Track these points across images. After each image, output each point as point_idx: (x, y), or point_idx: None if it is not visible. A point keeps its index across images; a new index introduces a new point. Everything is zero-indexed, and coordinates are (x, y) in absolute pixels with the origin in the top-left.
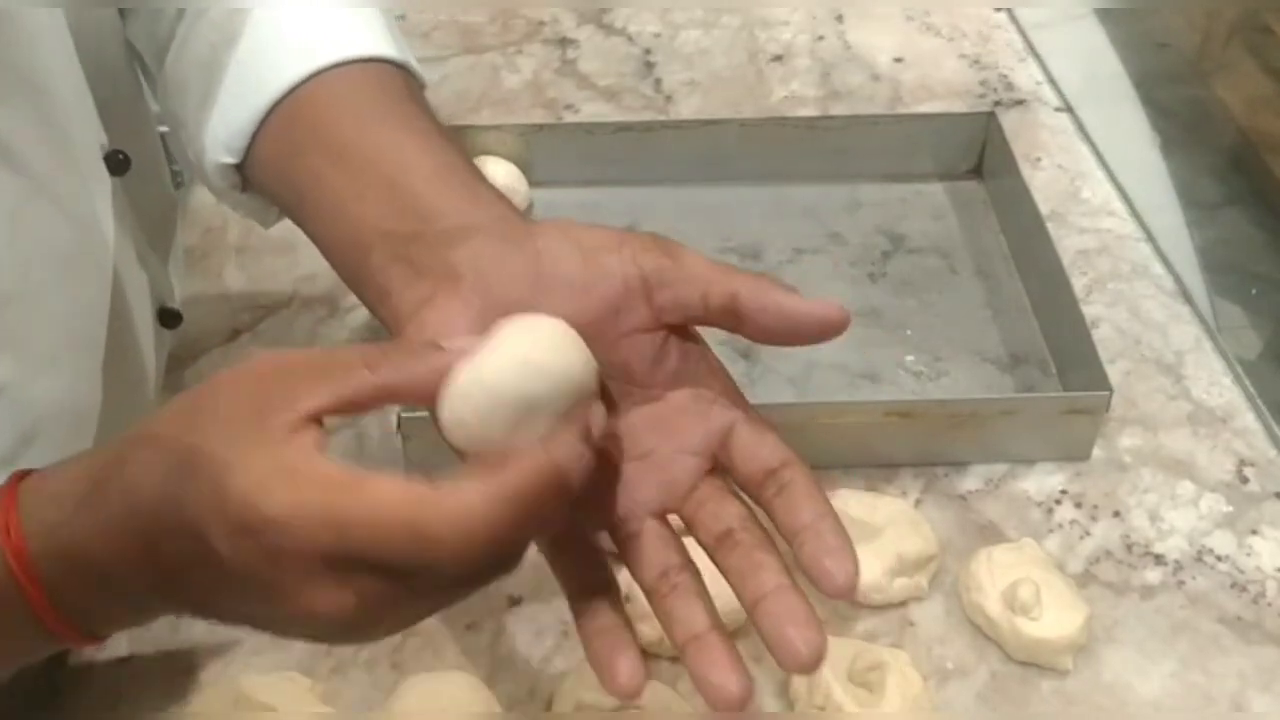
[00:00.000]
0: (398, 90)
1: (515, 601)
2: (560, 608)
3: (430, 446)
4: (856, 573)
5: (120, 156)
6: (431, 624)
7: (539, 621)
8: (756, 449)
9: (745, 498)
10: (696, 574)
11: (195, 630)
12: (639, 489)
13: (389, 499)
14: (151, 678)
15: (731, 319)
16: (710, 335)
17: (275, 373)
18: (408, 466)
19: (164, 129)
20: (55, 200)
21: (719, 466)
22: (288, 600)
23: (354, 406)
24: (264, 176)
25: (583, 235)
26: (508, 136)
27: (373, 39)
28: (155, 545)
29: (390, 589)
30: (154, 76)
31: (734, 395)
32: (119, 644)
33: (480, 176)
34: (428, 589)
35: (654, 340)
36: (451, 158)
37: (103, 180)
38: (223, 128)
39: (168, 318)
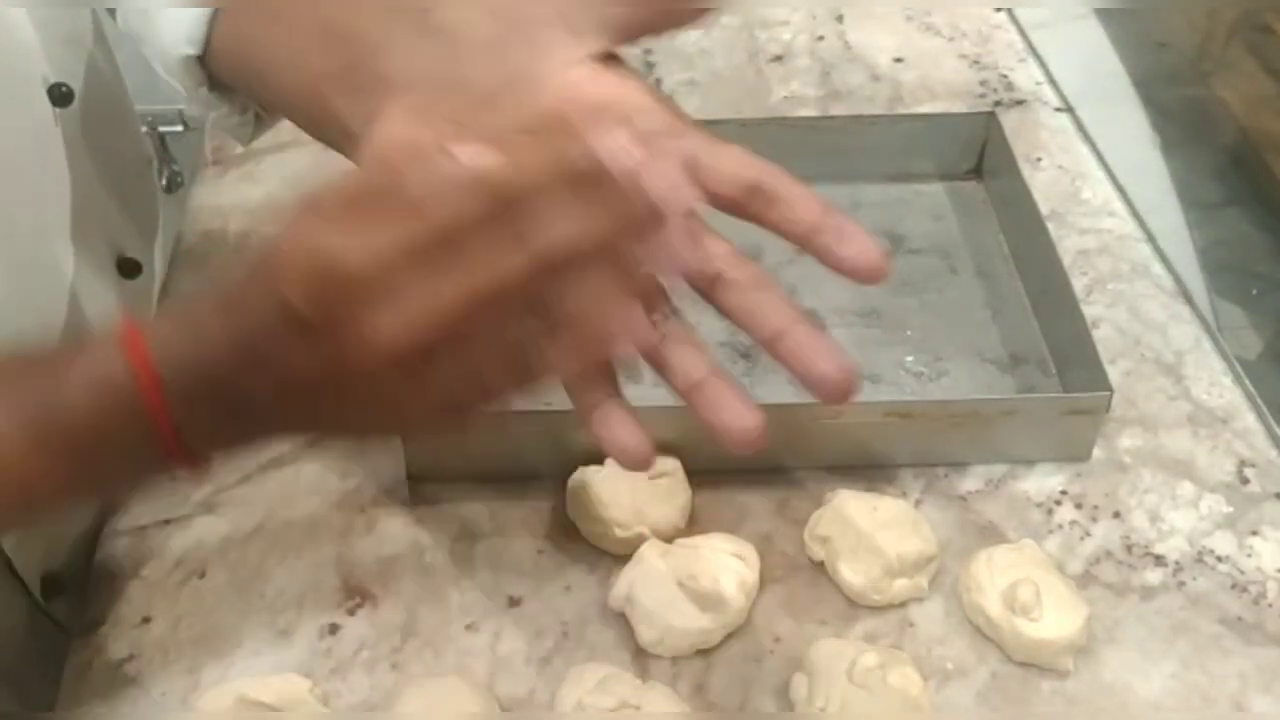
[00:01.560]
0: None
1: (515, 602)
2: (560, 607)
3: (429, 446)
4: (881, 253)
5: (64, 89)
6: (432, 624)
7: (539, 621)
8: (727, 162)
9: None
10: (686, 323)
11: (196, 630)
12: None
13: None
14: (152, 678)
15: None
16: (712, 335)
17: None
18: (407, 465)
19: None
20: None
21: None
22: (353, 341)
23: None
24: (225, 61)
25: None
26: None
27: None
28: (242, 335)
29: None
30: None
31: (684, 121)
32: (119, 644)
33: None
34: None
35: (586, 73)
36: None
37: (44, 108)
38: (181, 18)
39: (128, 267)
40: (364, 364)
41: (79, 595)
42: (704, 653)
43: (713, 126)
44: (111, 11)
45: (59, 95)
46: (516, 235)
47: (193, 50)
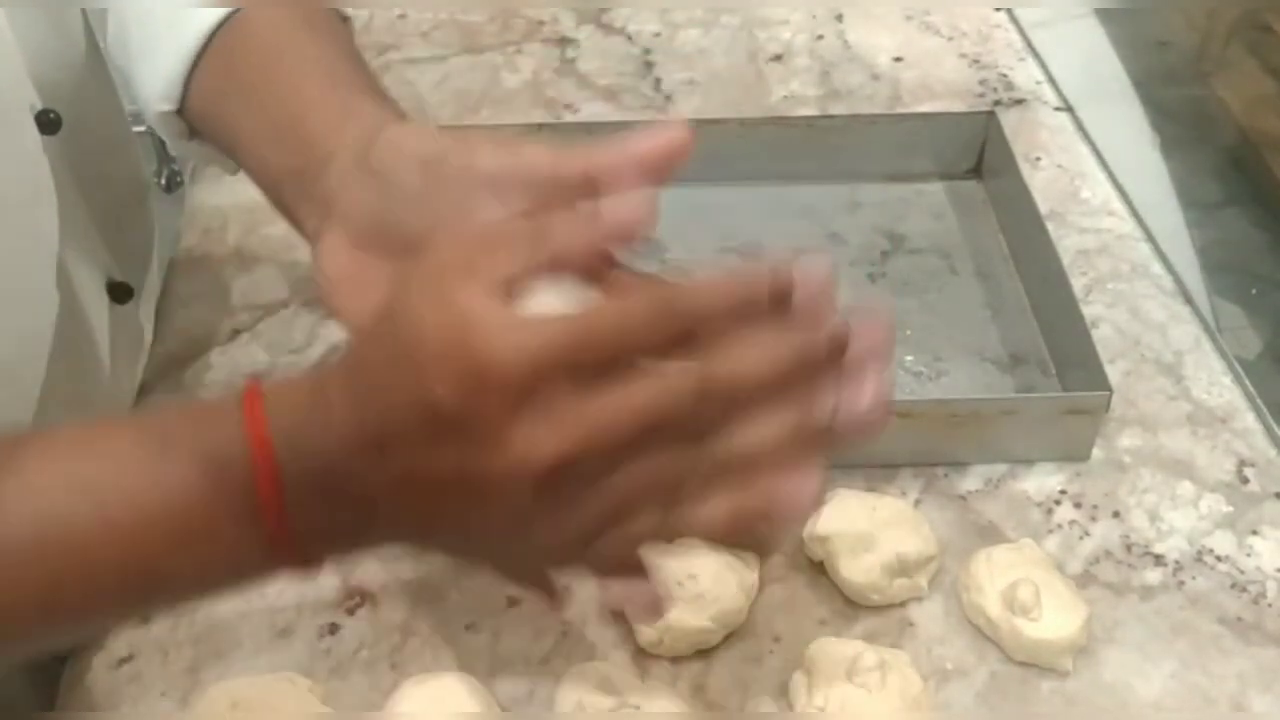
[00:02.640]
0: (298, 20)
1: (515, 602)
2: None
3: None
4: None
5: (51, 115)
6: (432, 624)
7: (539, 622)
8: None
9: None
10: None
11: (195, 630)
12: None
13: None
14: (151, 678)
15: (586, 185)
16: None
17: (477, 240)
18: None
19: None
20: None
21: None
22: (499, 448)
23: (556, 262)
24: (201, 123)
25: (422, 145)
26: (507, 136)
27: None
28: (377, 425)
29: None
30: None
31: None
32: (119, 644)
33: (358, 83)
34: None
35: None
36: (338, 73)
37: (31, 136)
38: (159, 75)
39: (119, 292)
40: (505, 478)
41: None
42: (704, 653)
43: (713, 126)
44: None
45: (46, 122)
46: (688, 358)
47: (169, 106)
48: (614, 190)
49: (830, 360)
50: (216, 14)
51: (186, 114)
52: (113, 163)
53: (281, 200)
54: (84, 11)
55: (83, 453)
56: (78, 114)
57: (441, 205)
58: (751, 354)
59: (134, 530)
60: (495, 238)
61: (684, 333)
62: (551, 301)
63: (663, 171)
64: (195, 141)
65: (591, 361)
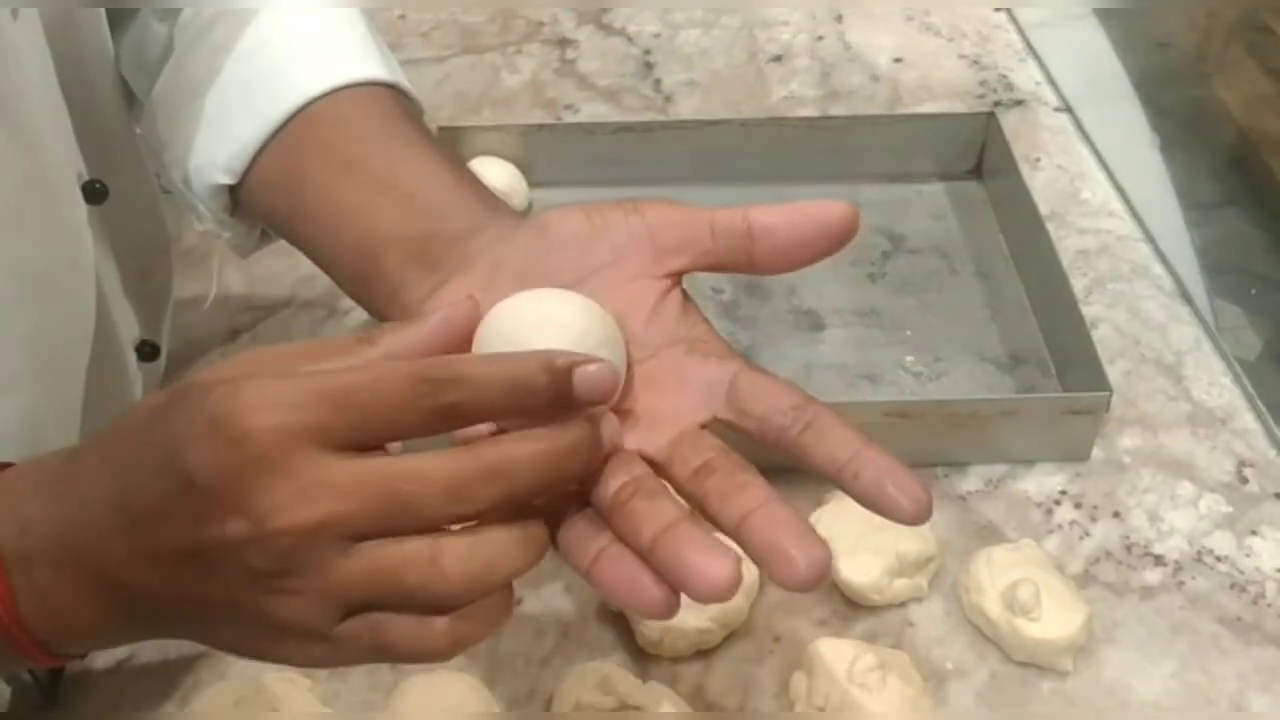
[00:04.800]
0: (400, 112)
1: (515, 601)
2: (560, 607)
3: (427, 446)
4: (927, 494)
5: (98, 185)
6: None
7: (539, 621)
8: (768, 389)
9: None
10: (660, 482)
11: None
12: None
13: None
14: (151, 678)
15: (743, 239)
16: None
17: (271, 354)
18: None
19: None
20: (22, 225)
21: (717, 423)
22: (237, 515)
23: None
24: (262, 196)
25: (589, 205)
26: (508, 136)
27: (374, 63)
28: (124, 495)
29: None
30: (141, 104)
31: (731, 353)
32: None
33: (488, 191)
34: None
35: (655, 290)
36: (461, 174)
37: (79, 208)
38: (223, 147)
39: (147, 351)
40: (241, 544)
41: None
42: (704, 653)
43: (713, 126)
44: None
45: (93, 192)
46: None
47: (228, 180)
48: (759, 246)
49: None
50: (305, 92)
51: (242, 186)
52: (145, 229)
53: (375, 264)
54: (120, 76)
55: None
56: (116, 182)
57: (602, 251)
58: (522, 447)
59: None
60: (300, 348)
61: (449, 408)
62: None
63: (827, 245)
64: (234, 217)
65: (344, 428)
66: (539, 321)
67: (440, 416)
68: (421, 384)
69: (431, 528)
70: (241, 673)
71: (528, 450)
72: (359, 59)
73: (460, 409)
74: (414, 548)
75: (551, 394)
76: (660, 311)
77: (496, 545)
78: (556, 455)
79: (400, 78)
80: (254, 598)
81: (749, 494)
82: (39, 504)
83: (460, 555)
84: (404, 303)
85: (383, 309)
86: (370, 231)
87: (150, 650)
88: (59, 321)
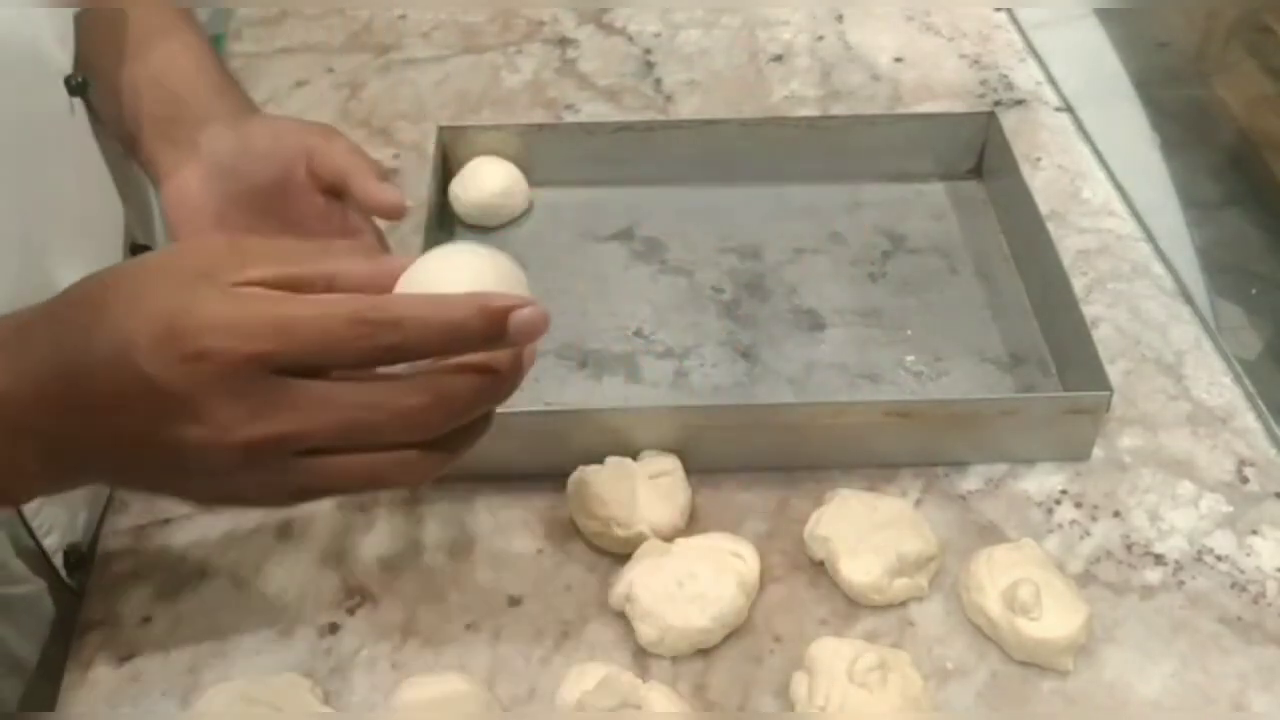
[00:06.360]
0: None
1: (515, 601)
2: (560, 606)
3: None
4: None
5: (78, 80)
6: (432, 624)
7: (539, 621)
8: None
9: None
10: None
11: (196, 630)
12: None
13: (332, 299)
14: (151, 678)
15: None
16: (712, 335)
17: (229, 244)
18: None
19: None
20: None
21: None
22: (199, 422)
23: (297, 284)
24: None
25: (279, 124)
26: (508, 136)
27: None
28: (75, 380)
29: (301, 415)
30: None
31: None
32: (119, 644)
33: (222, 72)
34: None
35: (320, 200)
36: (205, 62)
37: (61, 101)
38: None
39: (139, 253)
40: (204, 447)
41: (90, 569)
42: (704, 653)
43: (713, 126)
44: None
45: (75, 86)
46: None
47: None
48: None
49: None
50: None
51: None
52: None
53: (137, 139)
54: None
55: None
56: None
57: (279, 164)
58: (467, 381)
59: None
60: (249, 249)
61: (388, 348)
62: (439, 271)
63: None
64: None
65: (288, 357)
66: (461, 274)
67: (378, 355)
68: (361, 325)
69: (382, 449)
70: (242, 673)
71: (472, 385)
72: None
73: (398, 349)
74: (362, 462)
75: (485, 335)
76: (329, 215)
77: (434, 462)
78: (497, 388)
79: None
80: (208, 481)
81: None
82: (3, 367)
83: (401, 468)
84: (156, 169)
85: (145, 168)
86: (136, 113)
87: (150, 650)
88: (43, 207)
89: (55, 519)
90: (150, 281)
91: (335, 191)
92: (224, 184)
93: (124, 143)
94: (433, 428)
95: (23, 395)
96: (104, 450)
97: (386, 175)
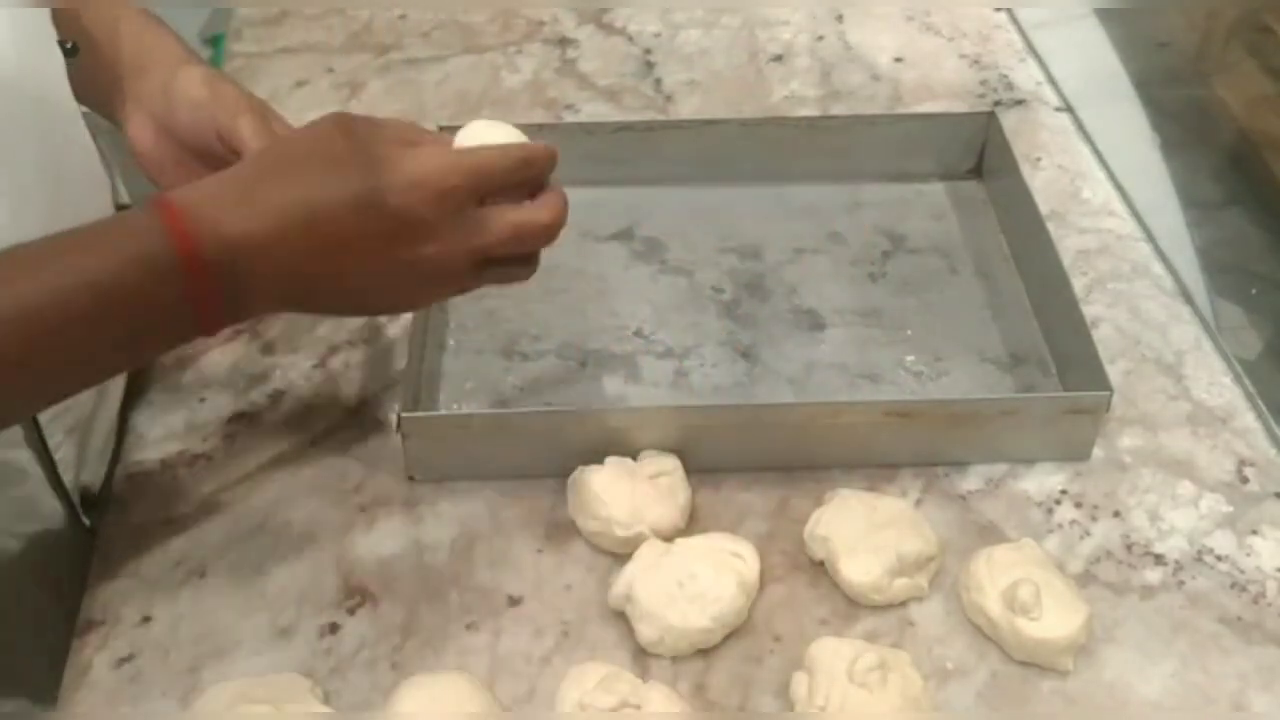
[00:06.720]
0: None
1: (515, 601)
2: (560, 606)
3: (429, 446)
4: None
5: (68, 45)
6: (432, 624)
7: (539, 621)
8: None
9: None
10: None
11: (195, 630)
12: None
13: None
14: (151, 678)
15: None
16: (712, 335)
17: (410, 125)
18: (407, 465)
19: None
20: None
21: None
22: (433, 239)
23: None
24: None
25: (196, 92)
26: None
27: None
28: (316, 222)
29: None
30: None
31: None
32: (119, 644)
33: (159, 29)
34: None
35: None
36: (147, 18)
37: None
38: None
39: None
40: (439, 257)
41: (106, 507)
42: (704, 653)
43: (713, 126)
44: None
45: (67, 50)
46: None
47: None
48: None
49: None
50: None
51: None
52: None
53: (96, 89)
54: None
55: (48, 257)
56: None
57: (206, 117)
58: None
59: (87, 317)
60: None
61: (533, 176)
62: (483, 133)
63: None
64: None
65: (486, 190)
66: (507, 133)
67: (526, 183)
68: (519, 164)
69: (530, 257)
70: (242, 673)
71: (560, 203)
72: None
73: (535, 178)
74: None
75: (552, 164)
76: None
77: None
78: (565, 211)
79: None
80: (430, 287)
81: None
82: (240, 215)
83: (528, 269)
84: (123, 119)
85: (111, 117)
86: (95, 67)
87: (150, 650)
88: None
89: (67, 459)
90: (385, 142)
91: None
92: (169, 134)
93: (81, 99)
94: (551, 235)
95: (262, 235)
96: (340, 274)
97: None
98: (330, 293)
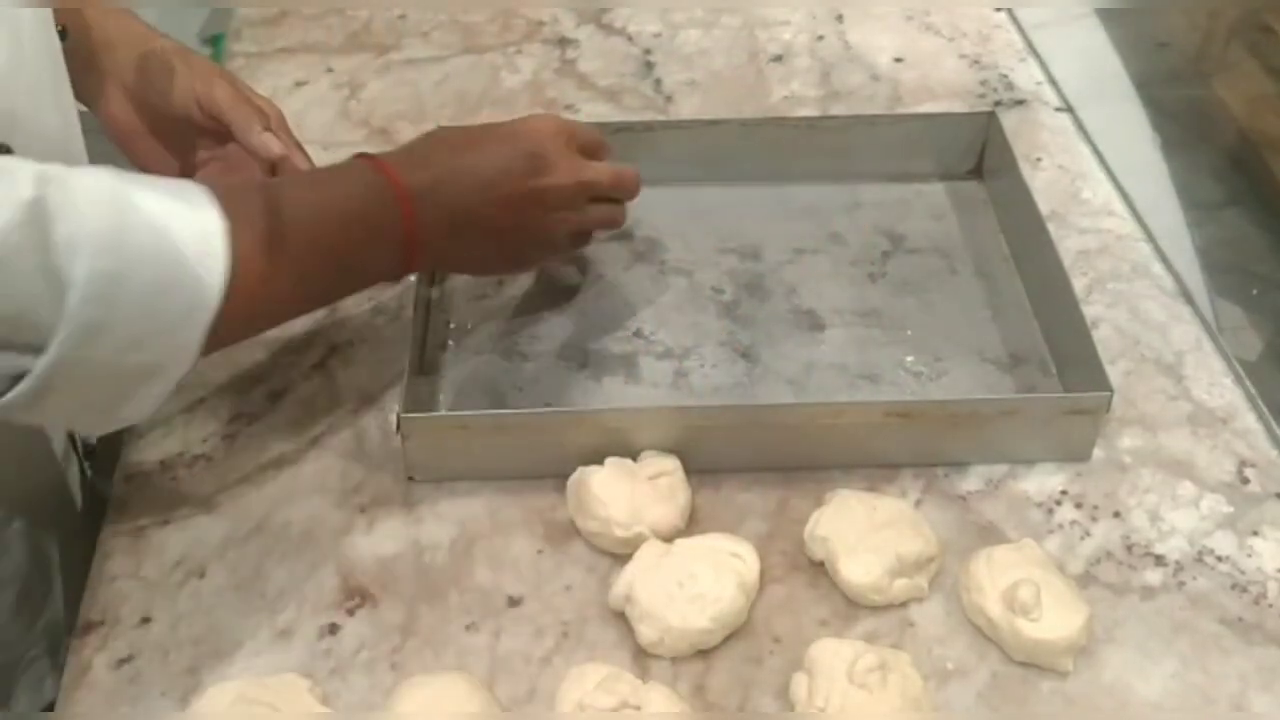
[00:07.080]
0: None
1: (515, 602)
2: (560, 607)
3: (429, 446)
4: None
5: (60, 29)
6: (432, 624)
7: (539, 622)
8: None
9: None
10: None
11: (195, 630)
12: None
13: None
14: (151, 678)
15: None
16: (712, 335)
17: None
18: (407, 465)
19: None
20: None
21: None
22: (558, 172)
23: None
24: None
25: (169, 60)
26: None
27: None
28: (474, 170)
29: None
30: None
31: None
32: (119, 644)
33: (122, 13)
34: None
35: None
36: (110, 10)
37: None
38: None
39: None
40: (562, 187)
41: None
42: (704, 653)
43: (713, 126)
44: None
45: (60, 34)
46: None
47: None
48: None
49: None
50: None
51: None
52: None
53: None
54: None
55: (305, 185)
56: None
57: (180, 88)
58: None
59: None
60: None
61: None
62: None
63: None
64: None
65: (579, 142)
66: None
67: (605, 148)
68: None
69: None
70: (242, 673)
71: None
72: None
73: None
74: (606, 210)
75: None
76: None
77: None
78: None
79: None
80: (553, 215)
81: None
82: (420, 169)
83: (619, 213)
84: (91, 96)
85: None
86: (67, 51)
87: (150, 650)
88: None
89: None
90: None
91: (225, 135)
92: (143, 106)
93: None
94: (638, 187)
95: (434, 180)
96: (490, 210)
97: (269, 125)
98: (485, 231)
